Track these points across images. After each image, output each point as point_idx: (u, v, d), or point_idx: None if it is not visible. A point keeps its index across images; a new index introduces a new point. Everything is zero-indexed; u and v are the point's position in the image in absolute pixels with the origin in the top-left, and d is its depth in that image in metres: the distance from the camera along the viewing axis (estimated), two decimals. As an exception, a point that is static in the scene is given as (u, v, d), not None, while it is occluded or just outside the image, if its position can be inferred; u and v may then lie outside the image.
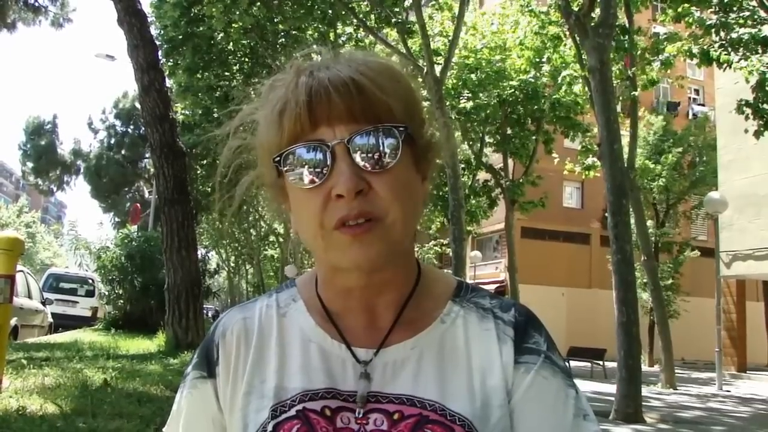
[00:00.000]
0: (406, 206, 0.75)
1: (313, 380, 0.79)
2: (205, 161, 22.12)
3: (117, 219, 35.28)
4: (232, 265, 50.36)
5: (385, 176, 0.74)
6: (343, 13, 15.42)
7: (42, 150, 37.76)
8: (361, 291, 0.80)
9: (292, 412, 0.77)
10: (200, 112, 19.79)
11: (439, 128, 0.84)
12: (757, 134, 11.83)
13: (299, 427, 0.75)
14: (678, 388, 14.21)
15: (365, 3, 15.54)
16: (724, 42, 11.99)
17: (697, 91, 34.54)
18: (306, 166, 0.74)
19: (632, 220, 12.80)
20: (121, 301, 14.78)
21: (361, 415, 0.76)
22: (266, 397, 0.79)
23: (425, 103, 0.83)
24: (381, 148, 0.74)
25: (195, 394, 0.86)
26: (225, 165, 0.86)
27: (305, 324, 0.84)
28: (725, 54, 11.95)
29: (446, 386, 0.78)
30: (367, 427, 0.75)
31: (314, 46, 0.85)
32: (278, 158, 0.76)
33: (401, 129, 0.75)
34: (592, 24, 9.39)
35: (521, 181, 20.32)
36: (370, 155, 0.73)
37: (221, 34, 16.23)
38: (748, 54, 11.87)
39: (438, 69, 13.72)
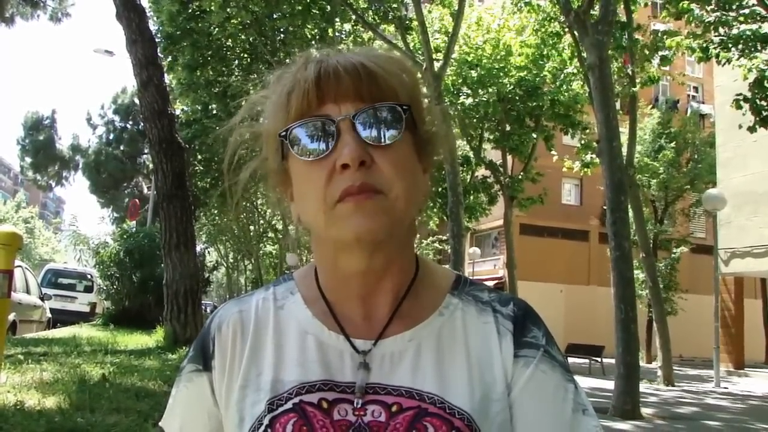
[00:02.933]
0: (409, 184, 0.76)
1: (310, 372, 0.79)
2: (203, 157, 22.08)
3: (116, 214, 35.21)
4: (231, 260, 50.37)
5: (389, 152, 0.75)
6: (342, 9, 15.39)
7: (40, 145, 37.69)
8: (361, 278, 0.80)
9: (289, 405, 0.76)
10: (199, 108, 19.77)
11: (438, 124, 0.84)
12: (752, 129, 11.83)
13: (296, 420, 0.75)
14: (676, 384, 14.24)
15: (364, -1, 15.52)
16: (723, 39, 12.00)
17: (696, 89, 34.50)
18: (311, 138, 0.76)
19: (631, 217, 12.81)
20: (120, 297, 14.78)
21: (359, 407, 0.76)
22: (262, 390, 0.79)
23: (426, 100, 0.85)
24: (385, 125, 0.75)
25: (190, 387, 0.86)
26: (232, 154, 0.86)
27: (302, 316, 0.84)
28: (724, 51, 11.96)
29: (445, 379, 0.78)
30: (365, 419, 0.75)
31: (320, 44, 0.86)
32: (284, 133, 0.77)
33: (405, 108, 0.77)
34: (592, 21, 9.38)
35: (520, 177, 20.33)
36: (374, 131, 0.75)
37: (220, 30, 16.17)
38: (747, 51, 11.87)
39: (437, 65, 13.70)
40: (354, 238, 0.74)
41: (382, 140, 0.75)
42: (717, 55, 12.10)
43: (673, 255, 23.55)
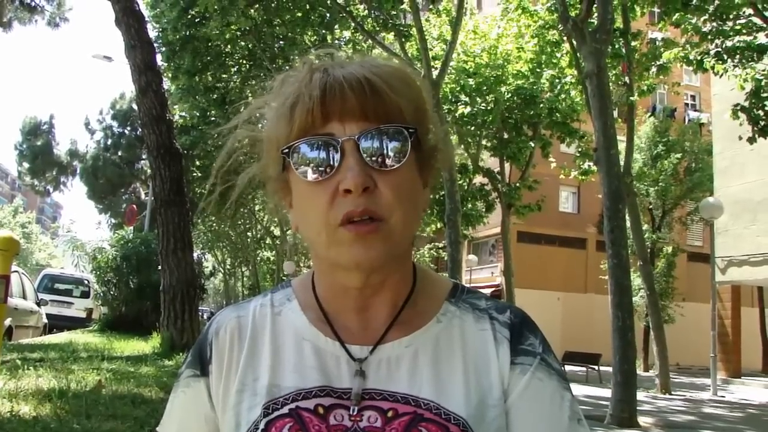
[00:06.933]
0: (409, 209, 0.76)
1: (307, 379, 0.79)
2: (202, 163, 22.09)
3: (113, 220, 35.17)
4: (228, 267, 50.32)
5: (391, 177, 0.75)
6: (341, 16, 15.44)
7: (38, 150, 37.68)
8: (358, 292, 0.80)
9: (285, 410, 0.77)
10: (197, 114, 19.79)
11: (439, 135, 0.84)
12: (751, 140, 11.88)
13: (291, 426, 0.75)
14: (673, 393, 14.23)
15: (362, 7, 15.57)
16: (719, 50, 12.07)
17: (693, 97, 34.65)
18: (314, 160, 0.75)
19: (628, 226, 12.83)
20: (117, 302, 14.73)
21: (355, 413, 0.76)
22: (259, 395, 0.79)
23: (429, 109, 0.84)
24: (389, 148, 0.75)
25: (188, 392, 0.86)
26: (228, 155, 0.86)
27: (299, 322, 0.85)
28: (720, 63, 12.02)
29: (441, 385, 0.78)
30: (361, 424, 0.75)
31: (328, 48, 0.85)
32: (287, 150, 0.77)
33: (411, 131, 0.76)
34: (590, 29, 9.41)
35: (518, 185, 20.35)
36: (378, 154, 0.74)
37: (219, 36, 16.22)
38: (744, 62, 11.94)
39: (435, 73, 13.74)
40: (353, 266, 0.75)
41: (386, 165, 0.74)
42: (713, 67, 12.17)
43: (664, 256, 23.48)
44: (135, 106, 17.72)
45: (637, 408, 8.81)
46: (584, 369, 17.53)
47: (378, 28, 15.49)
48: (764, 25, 11.65)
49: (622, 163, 11.65)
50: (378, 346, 0.80)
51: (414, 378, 0.78)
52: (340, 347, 0.81)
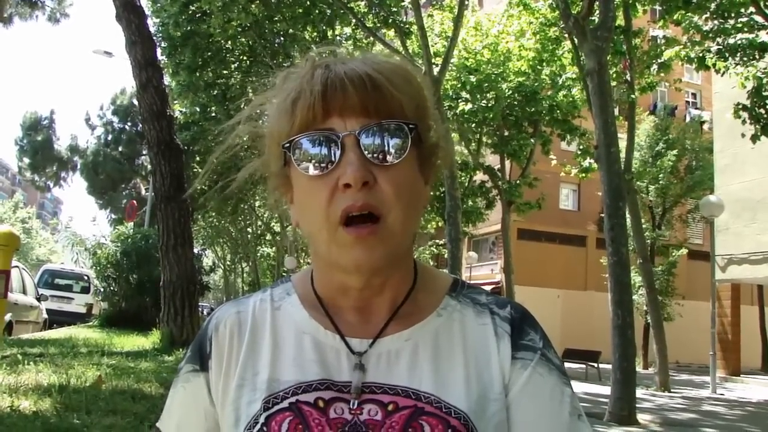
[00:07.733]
0: (408, 206, 0.76)
1: (307, 372, 0.79)
2: (202, 159, 22.07)
3: (113, 216, 35.17)
4: (228, 263, 50.35)
5: (391, 172, 0.74)
6: (342, 12, 15.42)
7: (39, 146, 37.68)
8: (358, 292, 0.80)
9: (285, 404, 0.77)
10: (198, 110, 19.78)
11: (440, 131, 0.84)
12: (754, 138, 11.87)
13: (291, 419, 0.75)
14: (672, 390, 14.24)
15: (364, 3, 15.55)
16: (721, 47, 12.07)
17: (694, 95, 34.61)
18: (315, 155, 0.75)
19: (628, 223, 12.84)
20: (117, 298, 14.74)
21: (355, 406, 0.76)
22: (259, 390, 0.79)
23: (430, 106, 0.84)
24: (390, 144, 0.75)
25: (188, 387, 0.86)
26: (226, 148, 0.87)
27: (299, 316, 0.85)
28: (721, 60, 12.02)
29: (442, 379, 0.78)
30: (361, 417, 0.75)
31: (330, 45, 0.85)
32: (288, 144, 0.77)
33: (411, 126, 0.76)
34: (591, 27, 9.40)
35: (518, 182, 20.34)
36: (378, 149, 0.74)
37: (220, 32, 16.21)
38: (745, 60, 11.93)
39: (436, 70, 13.71)
40: (353, 269, 0.76)
41: (386, 160, 0.74)
42: (714, 65, 12.16)
43: (671, 258, 23.55)
44: (135, 102, 17.76)
45: (637, 405, 8.83)
46: (584, 366, 17.54)
47: (379, 25, 15.48)
48: (766, 23, 11.64)
49: (622, 160, 11.66)
50: (377, 339, 0.80)
51: (414, 371, 0.78)
52: (339, 340, 0.81)
